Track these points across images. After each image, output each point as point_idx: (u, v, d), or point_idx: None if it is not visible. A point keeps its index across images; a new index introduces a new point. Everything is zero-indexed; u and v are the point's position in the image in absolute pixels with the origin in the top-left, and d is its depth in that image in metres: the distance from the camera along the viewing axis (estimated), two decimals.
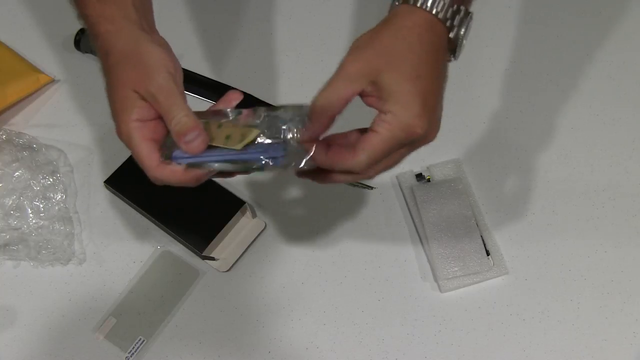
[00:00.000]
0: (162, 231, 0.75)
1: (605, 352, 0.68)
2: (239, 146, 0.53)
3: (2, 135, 0.78)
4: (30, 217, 0.73)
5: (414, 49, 0.51)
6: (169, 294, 0.71)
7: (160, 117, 0.54)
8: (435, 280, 0.71)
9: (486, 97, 0.83)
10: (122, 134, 0.54)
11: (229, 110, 0.56)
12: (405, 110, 0.49)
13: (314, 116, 0.51)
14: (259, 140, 0.54)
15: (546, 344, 0.68)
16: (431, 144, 0.52)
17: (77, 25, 0.84)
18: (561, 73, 0.84)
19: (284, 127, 0.54)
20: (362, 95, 0.51)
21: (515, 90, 0.83)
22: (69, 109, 0.83)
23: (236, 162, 0.53)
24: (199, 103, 0.82)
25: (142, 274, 0.72)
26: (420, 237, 0.74)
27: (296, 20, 0.90)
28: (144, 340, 0.69)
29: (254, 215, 0.75)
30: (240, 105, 0.57)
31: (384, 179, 0.77)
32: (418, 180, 0.77)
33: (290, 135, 0.54)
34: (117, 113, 0.54)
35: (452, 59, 0.55)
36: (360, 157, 0.51)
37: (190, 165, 0.53)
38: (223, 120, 0.56)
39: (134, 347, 0.68)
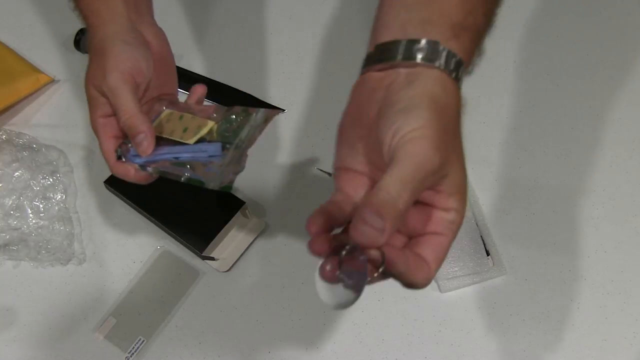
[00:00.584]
0: (162, 231, 0.75)
1: (605, 352, 0.68)
2: (192, 140, 0.56)
3: (2, 135, 0.78)
4: (30, 217, 0.73)
5: (455, 124, 0.46)
6: (169, 294, 0.71)
7: None
8: (435, 280, 0.71)
9: (486, 97, 0.83)
10: (93, 129, 0.58)
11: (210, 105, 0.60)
12: (464, 206, 0.44)
13: (391, 227, 0.39)
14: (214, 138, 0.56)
15: (546, 344, 0.68)
16: None
17: (77, 25, 0.84)
18: (561, 73, 0.84)
19: (232, 131, 0.56)
20: None
21: (515, 90, 0.83)
22: (69, 109, 0.83)
23: (179, 164, 0.55)
24: None
25: (142, 274, 0.72)
26: None
27: (296, 20, 0.90)
28: (144, 340, 0.69)
29: (254, 216, 0.75)
30: (239, 104, 0.59)
31: None
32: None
33: (236, 140, 0.55)
34: (89, 108, 0.58)
35: None
36: (433, 272, 0.43)
37: (142, 166, 0.56)
38: (185, 113, 0.58)
39: (134, 347, 0.68)
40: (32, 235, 0.73)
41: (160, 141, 0.57)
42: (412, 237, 0.44)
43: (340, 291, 0.42)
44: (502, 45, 0.87)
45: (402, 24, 0.46)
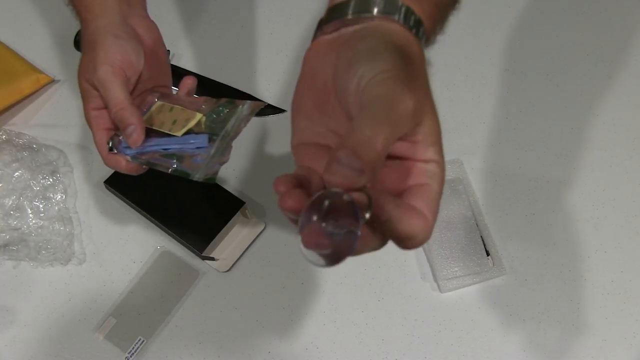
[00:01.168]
0: (162, 231, 0.75)
1: (605, 352, 0.68)
2: (180, 133, 0.57)
3: (2, 135, 0.78)
4: (30, 217, 0.73)
5: (424, 74, 0.42)
6: (169, 294, 0.71)
7: None
8: (435, 280, 0.71)
9: (486, 97, 0.83)
10: (86, 121, 0.59)
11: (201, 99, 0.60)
12: (443, 158, 0.40)
13: (370, 169, 0.36)
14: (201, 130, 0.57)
15: (546, 344, 0.68)
16: None
17: (76, 26, 0.83)
18: (561, 73, 0.84)
19: (219, 122, 0.57)
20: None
21: (515, 90, 0.83)
22: (69, 109, 0.83)
23: (167, 156, 0.56)
24: None
25: (142, 274, 0.72)
26: None
27: (296, 20, 0.90)
28: (143, 341, 0.69)
29: (254, 216, 0.75)
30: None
31: None
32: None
33: (222, 132, 0.56)
34: (82, 101, 0.60)
35: None
36: (430, 220, 0.38)
37: (133, 157, 0.57)
38: (176, 105, 0.60)
39: (134, 347, 0.68)
40: (32, 235, 0.73)
41: (150, 133, 0.58)
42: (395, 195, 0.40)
43: (333, 243, 0.36)
44: (502, 45, 0.87)
45: None
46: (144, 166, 0.58)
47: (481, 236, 0.73)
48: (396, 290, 0.71)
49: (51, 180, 0.76)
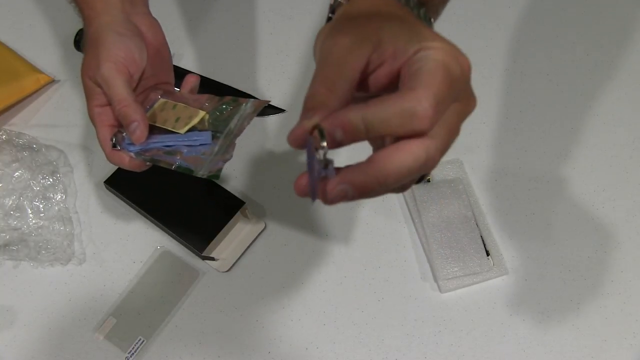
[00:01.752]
0: (162, 231, 0.75)
1: (605, 352, 0.68)
2: (183, 130, 0.58)
3: (2, 135, 0.78)
4: (30, 217, 0.73)
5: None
6: (169, 294, 0.71)
7: None
8: (435, 280, 0.71)
9: (486, 97, 0.83)
10: (90, 119, 0.60)
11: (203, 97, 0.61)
12: (440, 41, 0.39)
13: (311, 107, 0.39)
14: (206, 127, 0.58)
15: (546, 344, 0.68)
16: None
17: (77, 25, 0.84)
18: (561, 73, 0.84)
19: (222, 120, 0.58)
20: (367, 72, 0.40)
21: (515, 90, 0.83)
22: (69, 109, 0.83)
23: (171, 152, 0.57)
24: None
25: (142, 274, 0.72)
26: (420, 237, 0.74)
27: (296, 20, 0.90)
28: (143, 341, 0.69)
29: (254, 215, 0.75)
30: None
31: None
32: (418, 181, 0.77)
33: (226, 129, 0.57)
34: (86, 98, 0.60)
35: None
36: (419, 93, 0.36)
37: (137, 154, 0.58)
38: (179, 102, 0.60)
39: (134, 347, 0.68)
40: (32, 235, 0.73)
41: (153, 130, 0.59)
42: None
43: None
44: (502, 45, 0.87)
45: None
46: (148, 163, 0.58)
47: (481, 236, 0.73)
48: (396, 290, 0.71)
49: (51, 180, 0.76)
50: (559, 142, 0.80)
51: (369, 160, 0.37)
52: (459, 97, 0.39)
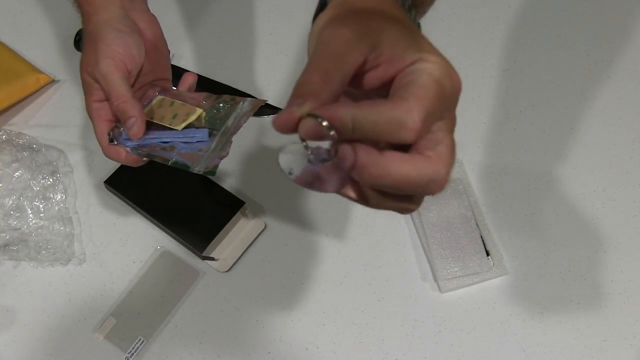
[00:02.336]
0: (162, 231, 0.75)
1: (605, 352, 0.68)
2: (180, 127, 0.58)
3: (2, 135, 0.78)
4: (30, 217, 0.73)
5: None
6: (169, 294, 0.71)
7: None
8: (435, 280, 0.71)
9: (486, 97, 0.83)
10: (88, 114, 0.60)
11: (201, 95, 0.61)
12: (437, 56, 0.39)
13: (302, 95, 0.38)
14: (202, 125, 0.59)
15: (546, 344, 0.68)
16: None
17: (77, 25, 0.84)
18: (561, 73, 0.84)
19: (219, 118, 0.58)
20: (363, 70, 0.40)
21: (515, 90, 0.83)
22: (69, 109, 0.83)
23: (167, 148, 0.58)
24: None
25: (142, 274, 0.72)
26: (420, 237, 0.74)
27: (296, 20, 0.90)
28: (143, 341, 0.69)
29: (254, 215, 0.75)
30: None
31: None
32: None
33: (223, 127, 0.57)
34: (84, 93, 0.60)
35: None
36: (411, 104, 0.36)
37: (133, 149, 0.58)
38: (176, 100, 0.61)
39: (134, 347, 0.68)
40: (32, 235, 0.73)
41: (151, 126, 0.59)
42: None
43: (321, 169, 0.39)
44: (502, 45, 0.87)
45: None
46: (144, 158, 0.59)
47: (481, 236, 0.73)
48: (396, 290, 0.71)
49: (51, 180, 0.76)
50: (559, 142, 0.80)
51: (381, 150, 0.37)
52: (445, 114, 0.40)
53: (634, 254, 0.73)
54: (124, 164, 0.60)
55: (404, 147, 0.38)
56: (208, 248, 0.71)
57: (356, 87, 0.41)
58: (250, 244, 0.73)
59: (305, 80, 0.38)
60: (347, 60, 0.38)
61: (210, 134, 0.57)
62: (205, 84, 0.83)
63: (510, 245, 0.73)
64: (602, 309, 0.70)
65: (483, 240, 0.72)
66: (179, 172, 0.57)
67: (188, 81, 0.63)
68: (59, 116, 0.83)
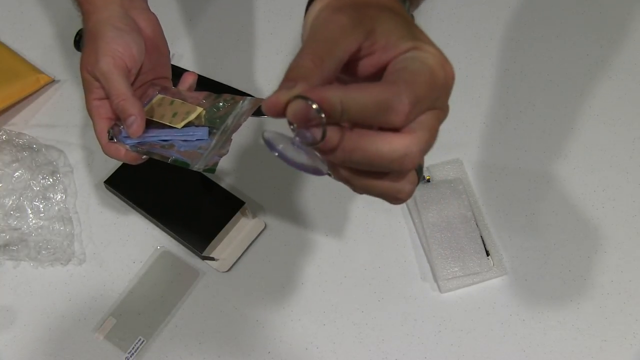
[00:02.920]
0: (162, 231, 0.75)
1: (605, 352, 0.68)
2: (180, 125, 0.59)
3: (2, 135, 0.78)
4: (30, 217, 0.73)
5: None
6: (169, 294, 0.71)
7: None
8: (435, 280, 0.71)
9: (486, 97, 0.83)
10: (88, 112, 0.60)
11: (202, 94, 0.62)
12: (432, 46, 0.39)
13: (293, 78, 0.38)
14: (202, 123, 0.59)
15: (546, 344, 0.68)
16: None
17: (77, 25, 0.84)
18: (561, 73, 0.84)
19: (219, 117, 0.58)
20: (357, 58, 0.40)
21: (515, 90, 0.83)
22: (69, 109, 0.83)
23: (167, 146, 0.58)
24: None
25: (142, 274, 0.72)
26: (420, 237, 0.74)
27: (296, 20, 0.89)
28: (143, 341, 0.69)
29: (254, 215, 0.75)
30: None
31: None
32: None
33: (222, 126, 0.57)
34: (84, 92, 0.61)
35: None
36: (400, 88, 0.36)
37: (133, 147, 0.58)
38: (176, 98, 0.61)
39: (133, 347, 0.68)
40: (32, 235, 0.73)
41: (150, 124, 0.59)
42: None
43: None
44: (502, 45, 0.87)
45: None
46: (144, 156, 0.59)
47: (481, 236, 0.73)
48: (396, 290, 0.71)
49: (51, 180, 0.76)
50: (559, 142, 0.80)
51: (353, 127, 0.38)
52: (437, 104, 0.39)
53: (634, 254, 0.73)
54: (123, 161, 0.60)
55: None
56: (208, 248, 0.71)
57: (350, 75, 0.42)
58: (250, 244, 0.73)
59: (297, 64, 0.38)
60: (341, 46, 0.39)
61: (210, 133, 0.57)
62: (205, 84, 0.83)
63: (510, 245, 0.73)
64: (602, 309, 0.70)
65: (483, 240, 0.72)
66: (179, 172, 0.57)
67: (188, 81, 0.63)
68: (59, 116, 0.83)
